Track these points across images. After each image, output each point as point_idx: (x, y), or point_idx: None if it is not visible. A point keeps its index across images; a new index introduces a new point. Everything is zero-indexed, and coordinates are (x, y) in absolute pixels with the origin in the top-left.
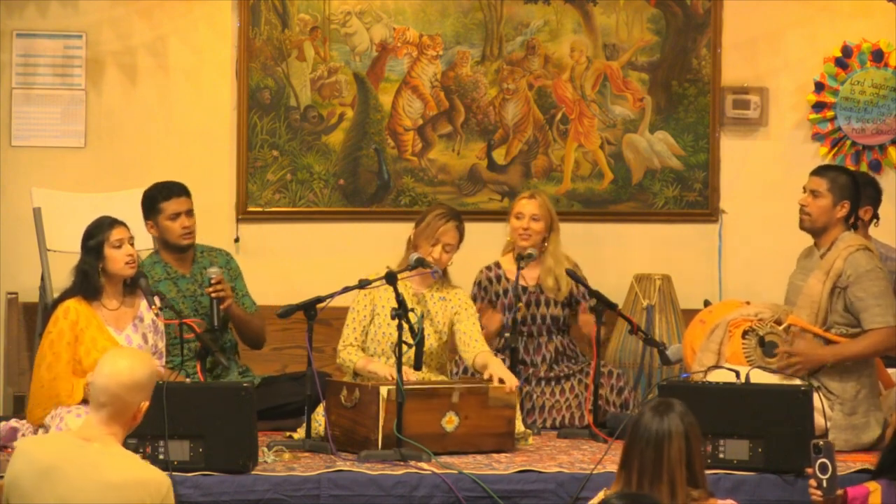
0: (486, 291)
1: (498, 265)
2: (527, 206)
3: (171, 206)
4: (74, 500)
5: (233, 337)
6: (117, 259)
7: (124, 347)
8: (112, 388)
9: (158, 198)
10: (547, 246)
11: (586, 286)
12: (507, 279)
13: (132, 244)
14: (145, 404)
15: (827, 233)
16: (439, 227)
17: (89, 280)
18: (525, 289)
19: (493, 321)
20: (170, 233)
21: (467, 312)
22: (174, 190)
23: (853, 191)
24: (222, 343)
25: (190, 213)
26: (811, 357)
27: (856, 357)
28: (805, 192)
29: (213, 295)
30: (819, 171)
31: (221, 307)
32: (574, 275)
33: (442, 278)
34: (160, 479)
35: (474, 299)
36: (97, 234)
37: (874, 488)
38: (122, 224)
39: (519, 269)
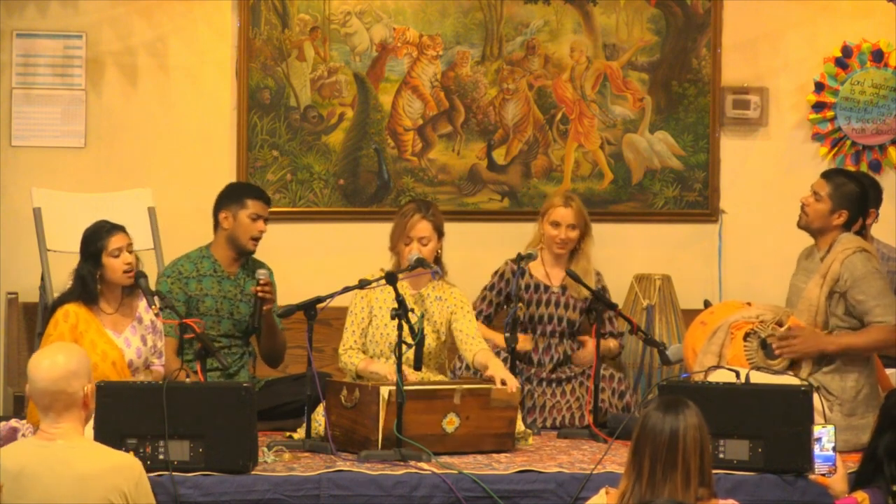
0: (508, 283)
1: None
2: (564, 214)
3: (258, 206)
4: (53, 500)
5: (252, 349)
6: (116, 268)
7: (43, 349)
8: (50, 388)
9: (249, 193)
10: (582, 247)
11: (588, 287)
12: (531, 275)
13: (131, 251)
14: (90, 387)
15: (824, 236)
16: (407, 224)
17: (87, 287)
18: (548, 287)
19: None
20: (245, 231)
21: (464, 311)
22: (265, 194)
23: (856, 202)
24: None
25: (267, 220)
26: (811, 341)
27: (857, 349)
28: (811, 190)
29: (259, 294)
30: (827, 174)
31: (264, 308)
32: (573, 274)
33: (438, 277)
34: (131, 463)
35: (496, 290)
36: (95, 241)
37: (862, 498)
38: (121, 230)
39: (519, 268)
